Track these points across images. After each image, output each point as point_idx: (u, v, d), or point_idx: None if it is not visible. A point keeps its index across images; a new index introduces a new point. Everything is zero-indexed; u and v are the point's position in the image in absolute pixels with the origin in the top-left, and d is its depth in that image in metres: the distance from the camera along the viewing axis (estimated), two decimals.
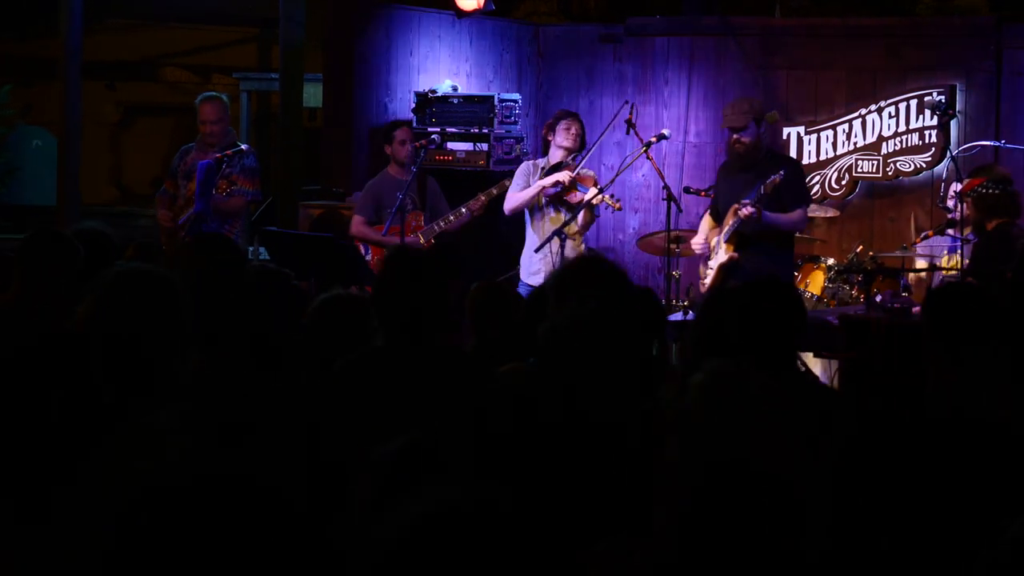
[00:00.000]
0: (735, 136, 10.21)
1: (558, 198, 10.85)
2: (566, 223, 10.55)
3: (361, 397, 5.02)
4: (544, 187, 10.82)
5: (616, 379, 4.30)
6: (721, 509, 3.32)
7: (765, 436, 3.40)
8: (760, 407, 3.45)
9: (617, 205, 10.77)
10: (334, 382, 5.12)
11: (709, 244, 10.33)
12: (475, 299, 7.10)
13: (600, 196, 10.61)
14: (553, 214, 10.89)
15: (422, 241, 10.82)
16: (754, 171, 10.00)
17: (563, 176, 10.77)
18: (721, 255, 10.11)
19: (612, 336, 4.37)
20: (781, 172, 9.77)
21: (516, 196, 10.98)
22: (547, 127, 11.16)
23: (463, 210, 10.97)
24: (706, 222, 10.55)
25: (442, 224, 10.96)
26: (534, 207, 10.96)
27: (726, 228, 10.07)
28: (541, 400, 4.21)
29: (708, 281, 10.19)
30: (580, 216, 10.72)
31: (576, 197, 10.74)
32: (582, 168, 10.95)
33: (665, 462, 3.45)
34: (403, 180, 11.06)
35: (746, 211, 9.77)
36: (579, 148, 10.97)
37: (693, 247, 10.55)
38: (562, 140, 10.94)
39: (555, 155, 10.97)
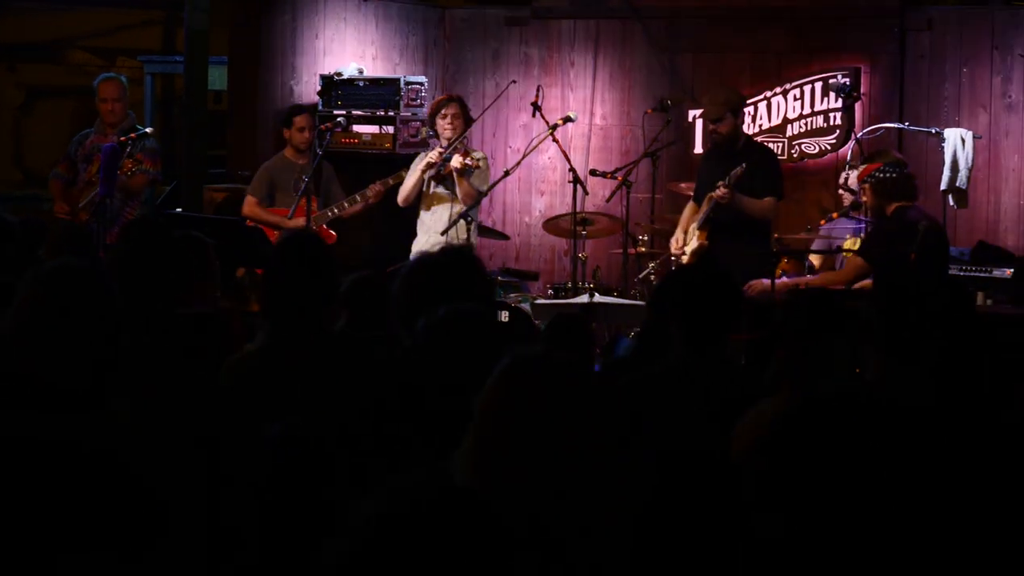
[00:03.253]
0: (712, 126, 10.39)
1: (440, 177, 10.95)
2: (468, 210, 10.61)
3: (256, 390, 4.81)
4: (422, 169, 10.93)
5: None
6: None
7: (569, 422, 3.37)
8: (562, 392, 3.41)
9: (476, 164, 10.92)
10: (231, 378, 4.92)
11: (686, 235, 10.50)
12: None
13: (459, 160, 10.79)
14: (441, 191, 11.01)
15: (315, 226, 10.79)
16: (732, 160, 10.18)
17: (432, 155, 10.90)
18: (694, 242, 10.25)
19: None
20: (743, 165, 9.98)
21: (405, 185, 11.05)
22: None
23: (358, 198, 11.01)
24: (688, 210, 10.71)
25: (336, 211, 11.00)
26: (423, 189, 11.05)
27: (700, 215, 10.23)
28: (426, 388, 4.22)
29: None
30: (457, 187, 10.81)
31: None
32: (472, 148, 11.15)
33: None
34: (298, 163, 11.07)
35: (720, 191, 9.98)
36: (459, 133, 11.00)
37: (672, 245, 10.66)
38: (441, 131, 11.09)
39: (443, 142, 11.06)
